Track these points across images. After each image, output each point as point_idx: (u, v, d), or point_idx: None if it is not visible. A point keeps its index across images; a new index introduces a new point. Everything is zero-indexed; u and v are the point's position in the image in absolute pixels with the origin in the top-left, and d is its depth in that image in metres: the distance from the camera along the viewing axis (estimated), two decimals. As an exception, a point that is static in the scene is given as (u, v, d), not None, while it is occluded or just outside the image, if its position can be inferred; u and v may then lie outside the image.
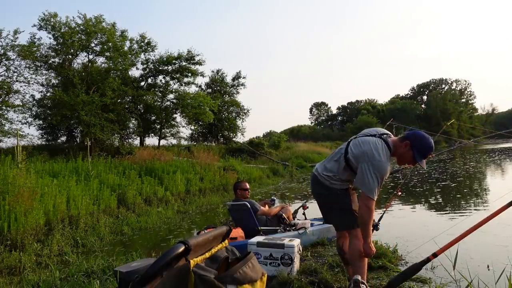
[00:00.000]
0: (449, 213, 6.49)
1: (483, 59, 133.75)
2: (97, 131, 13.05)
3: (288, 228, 4.50)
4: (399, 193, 4.36)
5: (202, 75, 19.07)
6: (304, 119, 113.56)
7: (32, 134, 20.50)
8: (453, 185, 9.89)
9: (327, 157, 2.78)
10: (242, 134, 26.56)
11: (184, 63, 17.82)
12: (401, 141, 2.46)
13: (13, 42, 12.97)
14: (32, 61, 13.69)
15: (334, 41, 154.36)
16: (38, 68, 14.27)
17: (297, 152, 22.83)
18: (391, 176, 13.25)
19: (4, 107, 12.85)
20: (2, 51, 12.96)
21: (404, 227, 5.55)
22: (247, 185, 5.02)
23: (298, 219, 5.06)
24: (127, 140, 17.56)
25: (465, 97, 61.77)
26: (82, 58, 15.51)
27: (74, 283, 3.46)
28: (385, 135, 2.52)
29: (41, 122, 14.92)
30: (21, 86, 14.10)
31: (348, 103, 65.36)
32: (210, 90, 26.33)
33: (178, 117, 19.45)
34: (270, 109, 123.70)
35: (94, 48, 14.70)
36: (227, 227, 1.53)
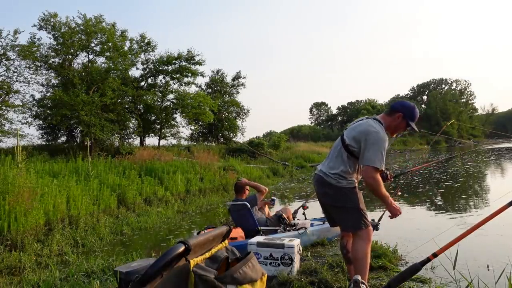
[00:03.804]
0: (449, 213, 6.49)
1: (485, 58, 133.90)
2: (97, 131, 13.05)
3: (288, 228, 4.50)
4: (399, 193, 4.37)
5: (202, 75, 19.09)
6: (304, 119, 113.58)
7: (32, 134, 20.60)
8: (456, 185, 9.89)
9: (327, 158, 2.77)
10: (242, 134, 26.62)
11: (184, 63, 17.82)
12: (391, 115, 2.63)
13: (13, 42, 13.00)
14: (32, 61, 13.69)
15: (335, 41, 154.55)
16: (38, 68, 14.29)
17: (297, 152, 22.83)
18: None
19: (4, 107, 12.86)
20: (2, 51, 12.98)
21: (404, 227, 5.54)
22: None
23: (298, 219, 5.06)
24: (127, 140, 17.58)
25: (465, 97, 61.78)
26: (82, 58, 15.55)
27: (74, 283, 3.45)
28: (371, 116, 2.71)
29: (41, 122, 14.93)
30: (21, 86, 14.14)
31: (348, 103, 65.26)
32: (210, 90, 26.34)
33: (178, 117, 19.49)
34: (270, 109, 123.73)
35: (94, 48, 14.71)
36: (227, 227, 1.53)
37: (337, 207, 2.67)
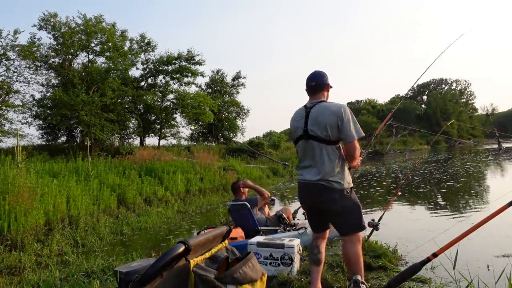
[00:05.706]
0: (449, 213, 6.48)
1: (487, 58, 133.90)
2: (97, 131, 13.06)
3: (288, 228, 4.49)
4: (399, 193, 4.37)
5: (202, 75, 19.13)
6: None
7: (32, 134, 20.61)
8: (457, 185, 9.88)
9: (312, 166, 2.54)
10: (242, 134, 26.70)
11: (184, 63, 17.85)
12: (324, 89, 2.64)
13: (13, 42, 13.03)
14: (32, 61, 13.71)
15: (335, 42, 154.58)
16: (38, 68, 14.30)
17: (297, 152, 22.81)
18: (393, 176, 13.27)
19: (4, 107, 12.86)
20: (2, 51, 12.99)
21: (405, 227, 5.54)
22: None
23: (298, 219, 5.06)
24: (127, 140, 17.60)
25: (465, 97, 61.78)
26: (82, 58, 15.58)
27: (74, 283, 3.45)
28: (310, 103, 2.66)
29: (41, 122, 14.94)
30: (21, 86, 14.16)
31: (348, 103, 65.14)
32: (210, 90, 26.37)
33: (178, 117, 19.53)
34: (270, 109, 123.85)
35: (94, 48, 14.72)
36: (227, 227, 1.53)
37: (341, 211, 2.49)
